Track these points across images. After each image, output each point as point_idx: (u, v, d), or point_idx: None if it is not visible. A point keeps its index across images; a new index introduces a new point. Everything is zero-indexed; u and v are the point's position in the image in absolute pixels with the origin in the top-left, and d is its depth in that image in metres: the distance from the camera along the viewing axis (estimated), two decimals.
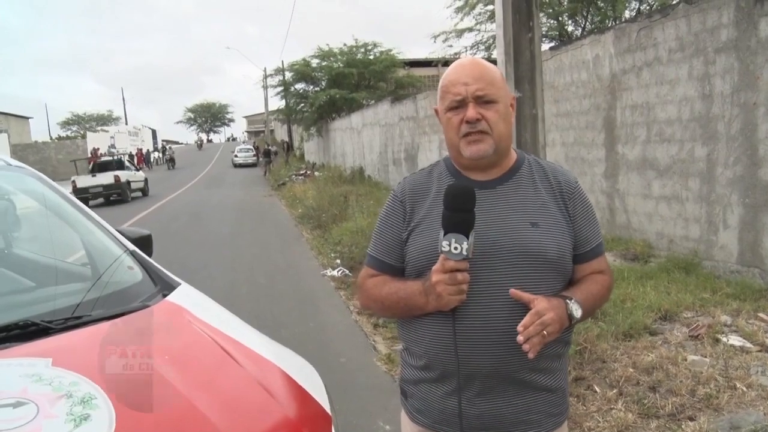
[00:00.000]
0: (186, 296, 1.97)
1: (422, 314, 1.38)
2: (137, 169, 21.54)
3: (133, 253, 2.19)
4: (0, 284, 2.08)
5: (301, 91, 27.77)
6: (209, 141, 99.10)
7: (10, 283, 2.12)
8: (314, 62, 26.19)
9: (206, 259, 8.25)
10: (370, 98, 23.25)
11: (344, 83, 24.55)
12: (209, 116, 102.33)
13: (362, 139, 19.17)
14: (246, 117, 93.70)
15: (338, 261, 7.53)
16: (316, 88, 26.74)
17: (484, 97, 1.36)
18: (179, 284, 2.05)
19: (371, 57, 25.16)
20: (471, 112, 1.36)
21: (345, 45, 25.64)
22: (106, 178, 18.80)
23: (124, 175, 19.21)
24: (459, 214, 1.27)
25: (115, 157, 22.62)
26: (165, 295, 1.92)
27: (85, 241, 2.33)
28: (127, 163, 20.96)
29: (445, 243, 1.26)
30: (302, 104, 27.77)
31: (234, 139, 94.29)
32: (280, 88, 28.89)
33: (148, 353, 1.53)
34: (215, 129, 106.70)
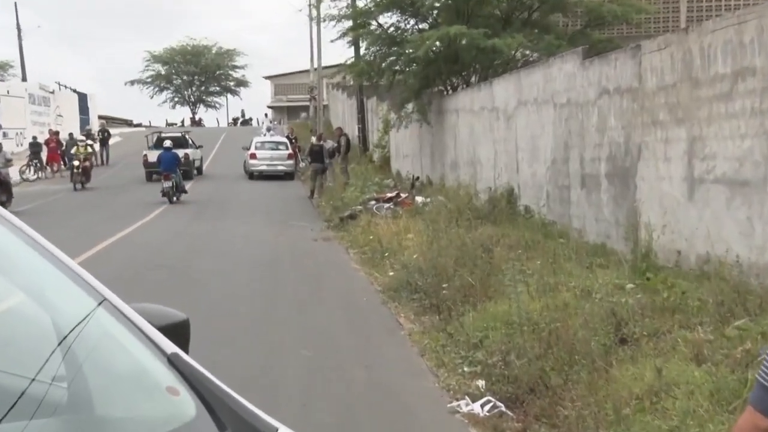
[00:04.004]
0: None
1: None
2: (197, 147, 39.41)
3: (172, 361, 2.25)
4: None
5: (391, 30, 28.41)
6: (197, 123, 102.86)
7: None
8: None
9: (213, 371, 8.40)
10: (531, 48, 23.35)
11: (478, 17, 24.92)
12: (198, 72, 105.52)
13: (514, 131, 19.25)
14: (272, 78, 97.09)
15: (481, 383, 7.60)
16: (420, 26, 27.33)
17: None
18: (275, 429, 2.12)
19: None
20: None
21: None
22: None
23: (191, 153, 36.20)
24: None
25: (179, 134, 39.81)
26: None
27: (60, 329, 2.38)
28: (189, 140, 38.67)
29: None
30: (392, 57, 28.33)
31: (248, 121, 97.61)
32: (348, 23, 29.77)
33: None
34: (209, 99, 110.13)
